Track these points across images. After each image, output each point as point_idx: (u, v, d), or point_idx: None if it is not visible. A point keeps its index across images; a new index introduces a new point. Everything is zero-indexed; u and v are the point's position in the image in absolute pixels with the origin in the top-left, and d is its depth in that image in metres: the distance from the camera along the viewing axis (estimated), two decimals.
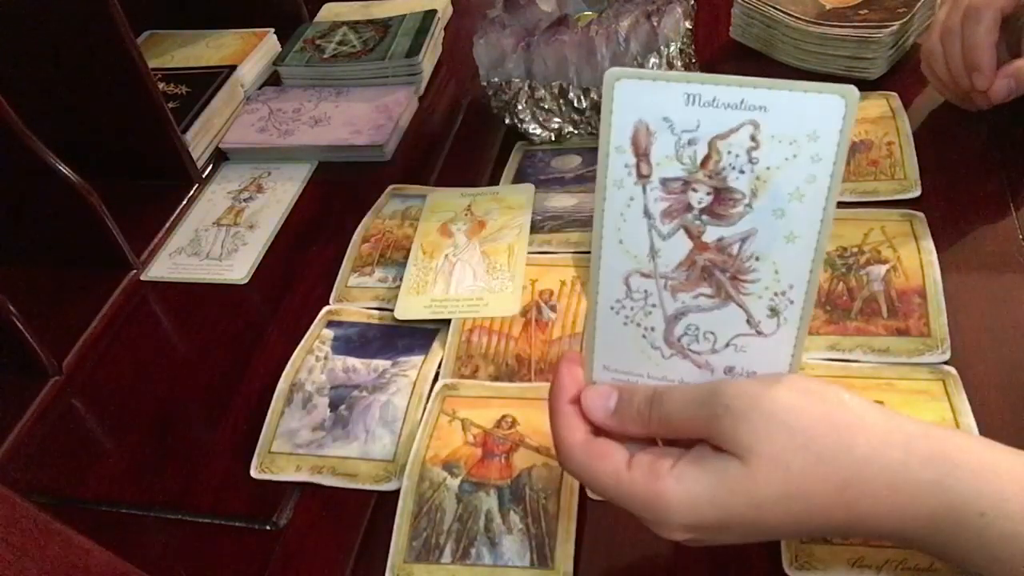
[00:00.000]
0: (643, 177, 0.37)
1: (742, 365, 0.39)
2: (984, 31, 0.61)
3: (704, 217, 0.37)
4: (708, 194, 0.36)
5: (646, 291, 0.39)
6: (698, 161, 0.36)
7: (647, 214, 0.37)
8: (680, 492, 0.37)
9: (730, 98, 0.35)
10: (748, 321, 0.38)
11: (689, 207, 0.37)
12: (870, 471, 0.36)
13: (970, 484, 0.36)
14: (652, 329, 0.39)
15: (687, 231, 0.37)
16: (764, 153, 0.35)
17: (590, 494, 0.48)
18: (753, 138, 0.35)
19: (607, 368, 0.41)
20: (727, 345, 0.39)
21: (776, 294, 0.37)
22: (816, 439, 0.36)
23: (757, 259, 0.37)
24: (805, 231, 0.36)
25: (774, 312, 0.38)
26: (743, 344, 0.39)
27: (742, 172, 0.36)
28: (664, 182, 0.36)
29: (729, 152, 0.35)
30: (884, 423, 0.37)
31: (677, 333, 0.39)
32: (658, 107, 0.36)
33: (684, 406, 0.38)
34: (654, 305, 0.39)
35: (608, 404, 0.40)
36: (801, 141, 0.35)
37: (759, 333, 0.38)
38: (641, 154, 0.36)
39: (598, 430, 0.40)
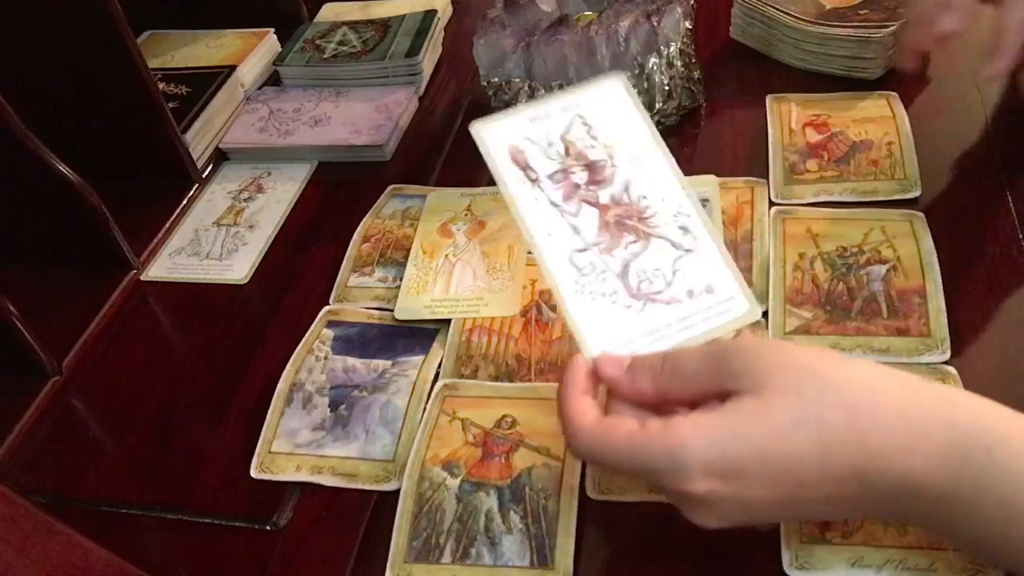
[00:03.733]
0: (534, 181, 0.47)
1: (694, 283, 0.46)
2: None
3: (591, 187, 0.48)
4: (583, 170, 0.48)
5: (591, 263, 0.46)
6: (562, 153, 0.48)
7: (553, 204, 0.47)
8: (697, 430, 0.38)
9: (556, 107, 0.49)
10: (673, 245, 0.47)
11: (577, 186, 0.47)
12: (877, 398, 0.37)
13: (974, 420, 0.37)
14: (615, 292, 0.45)
15: (587, 203, 0.47)
16: (598, 129, 0.49)
17: (591, 492, 0.48)
18: (585, 123, 0.49)
19: (603, 350, 0.44)
20: (674, 273, 0.46)
21: (674, 215, 0.47)
22: (822, 370, 0.38)
23: (645, 197, 0.47)
24: (653, 158, 0.48)
25: (685, 230, 0.47)
26: (683, 265, 0.46)
27: (593, 146, 0.48)
28: (550, 176, 0.48)
29: (577, 139, 0.49)
30: (880, 367, 0.40)
31: (633, 284, 0.46)
32: (516, 133, 0.48)
33: (695, 358, 0.40)
34: (603, 271, 0.46)
35: (622, 363, 0.42)
36: (612, 110, 0.49)
37: (687, 251, 0.46)
38: (524, 167, 0.48)
39: (607, 414, 0.41)
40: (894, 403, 0.37)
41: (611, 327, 0.44)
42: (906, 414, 0.37)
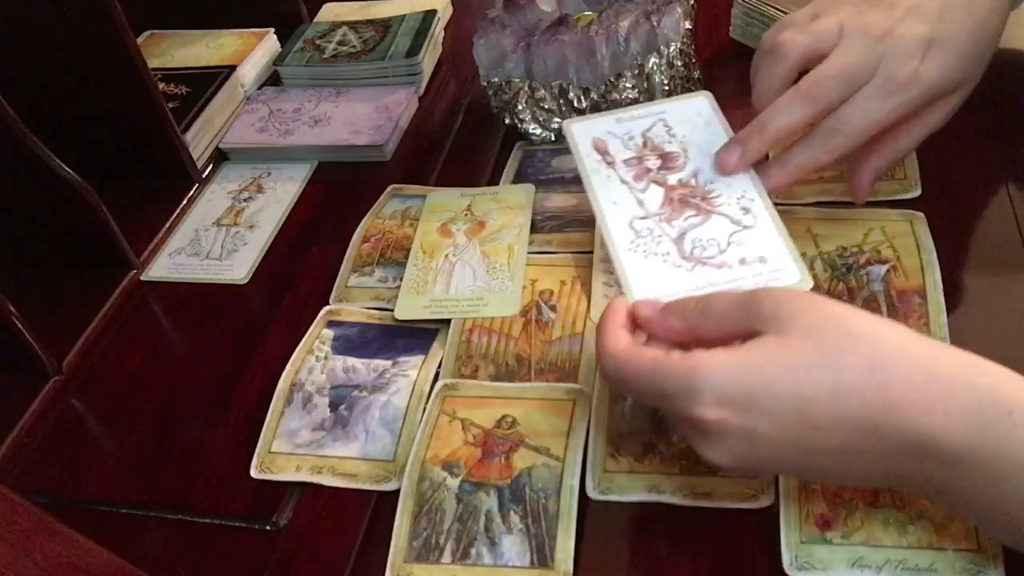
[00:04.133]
0: (609, 164, 0.55)
1: (747, 253, 0.50)
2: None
3: (662, 172, 0.54)
4: (656, 159, 0.55)
5: (649, 228, 0.51)
6: (640, 145, 0.56)
7: (623, 182, 0.54)
8: (715, 360, 0.39)
9: (642, 112, 0.58)
10: (732, 221, 0.51)
11: (648, 170, 0.55)
12: (902, 355, 0.37)
13: (997, 385, 0.37)
14: (668, 253, 0.50)
15: (656, 183, 0.54)
16: (678, 130, 0.56)
17: (591, 492, 0.48)
18: (666, 124, 0.56)
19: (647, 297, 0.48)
20: (728, 244, 0.50)
21: (738, 198, 0.52)
22: (851, 322, 0.39)
23: (712, 183, 0.53)
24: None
25: (746, 210, 0.51)
26: (740, 239, 0.50)
27: (670, 142, 0.56)
28: (625, 162, 0.55)
29: (656, 136, 0.56)
30: (912, 331, 0.39)
31: (687, 248, 0.50)
32: (601, 130, 0.57)
33: (726, 300, 0.42)
34: (659, 236, 0.51)
35: (656, 305, 0.44)
36: (694, 119, 0.57)
37: (745, 227, 0.51)
38: (603, 152, 0.56)
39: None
40: (918, 361, 0.37)
41: (658, 280, 0.49)
42: (929, 373, 0.37)
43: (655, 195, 0.53)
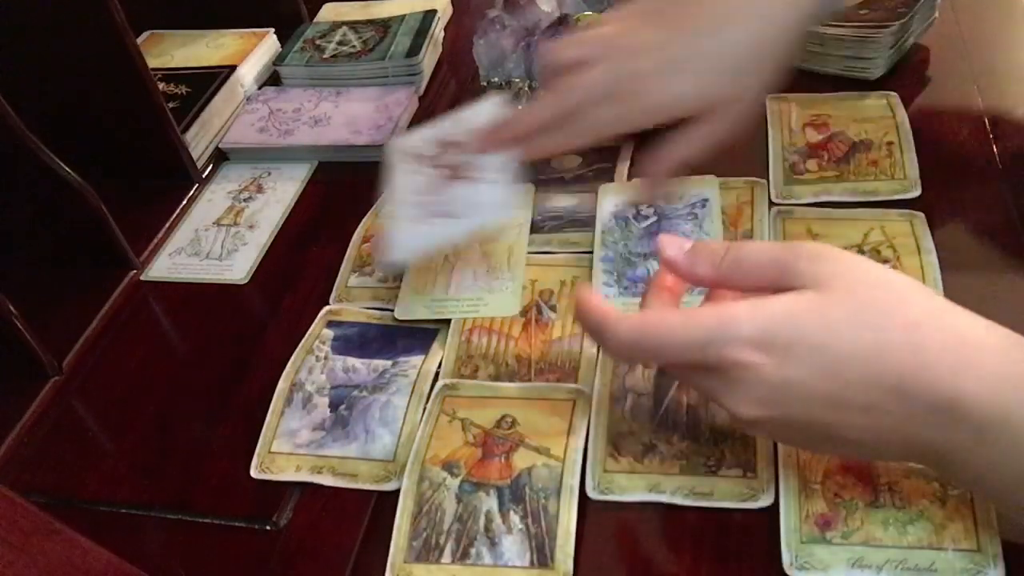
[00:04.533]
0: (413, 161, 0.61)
1: (480, 203, 0.57)
2: None
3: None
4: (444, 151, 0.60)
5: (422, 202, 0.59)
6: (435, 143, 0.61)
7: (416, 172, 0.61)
8: (754, 308, 0.39)
9: (447, 120, 0.62)
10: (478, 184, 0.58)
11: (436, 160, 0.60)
12: (940, 321, 0.38)
13: None
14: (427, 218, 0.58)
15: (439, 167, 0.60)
16: (467, 127, 0.59)
17: (591, 492, 0.48)
18: (459, 123, 0.60)
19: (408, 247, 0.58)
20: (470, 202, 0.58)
21: (494, 171, 0.57)
22: (891, 282, 0.39)
23: (477, 162, 0.58)
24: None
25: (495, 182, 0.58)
26: (474, 198, 0.58)
27: (458, 136, 0.59)
28: (422, 156, 0.61)
29: (449, 134, 0.60)
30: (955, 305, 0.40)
31: (441, 210, 0.58)
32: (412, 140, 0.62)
33: (762, 254, 0.41)
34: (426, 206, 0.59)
35: (683, 246, 0.43)
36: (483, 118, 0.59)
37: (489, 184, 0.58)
38: (411, 155, 0.61)
39: None
40: (955, 327, 0.38)
41: (414, 239, 0.58)
42: (964, 339, 0.38)
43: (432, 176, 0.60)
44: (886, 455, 0.44)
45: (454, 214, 0.57)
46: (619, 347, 0.42)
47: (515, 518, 0.48)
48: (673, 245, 0.43)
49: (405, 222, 0.58)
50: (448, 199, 0.58)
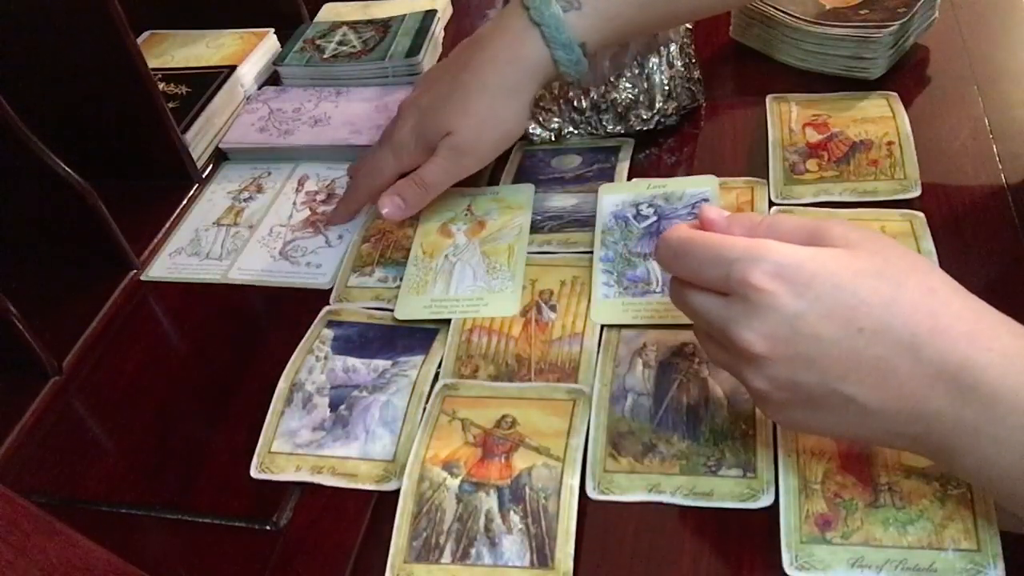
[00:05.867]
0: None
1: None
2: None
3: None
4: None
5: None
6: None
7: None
8: (784, 245, 0.41)
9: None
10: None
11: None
12: (956, 296, 0.40)
13: None
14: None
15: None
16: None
17: (591, 492, 0.48)
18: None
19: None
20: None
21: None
22: (920, 259, 0.42)
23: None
24: None
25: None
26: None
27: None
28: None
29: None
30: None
31: None
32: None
33: (795, 220, 0.43)
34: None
35: (722, 213, 0.45)
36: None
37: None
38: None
39: None
40: (970, 304, 0.40)
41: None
42: (979, 313, 0.39)
43: None
44: (891, 430, 0.41)
45: None
46: (665, 247, 0.45)
47: (515, 518, 0.48)
48: (712, 210, 0.45)
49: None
50: None
